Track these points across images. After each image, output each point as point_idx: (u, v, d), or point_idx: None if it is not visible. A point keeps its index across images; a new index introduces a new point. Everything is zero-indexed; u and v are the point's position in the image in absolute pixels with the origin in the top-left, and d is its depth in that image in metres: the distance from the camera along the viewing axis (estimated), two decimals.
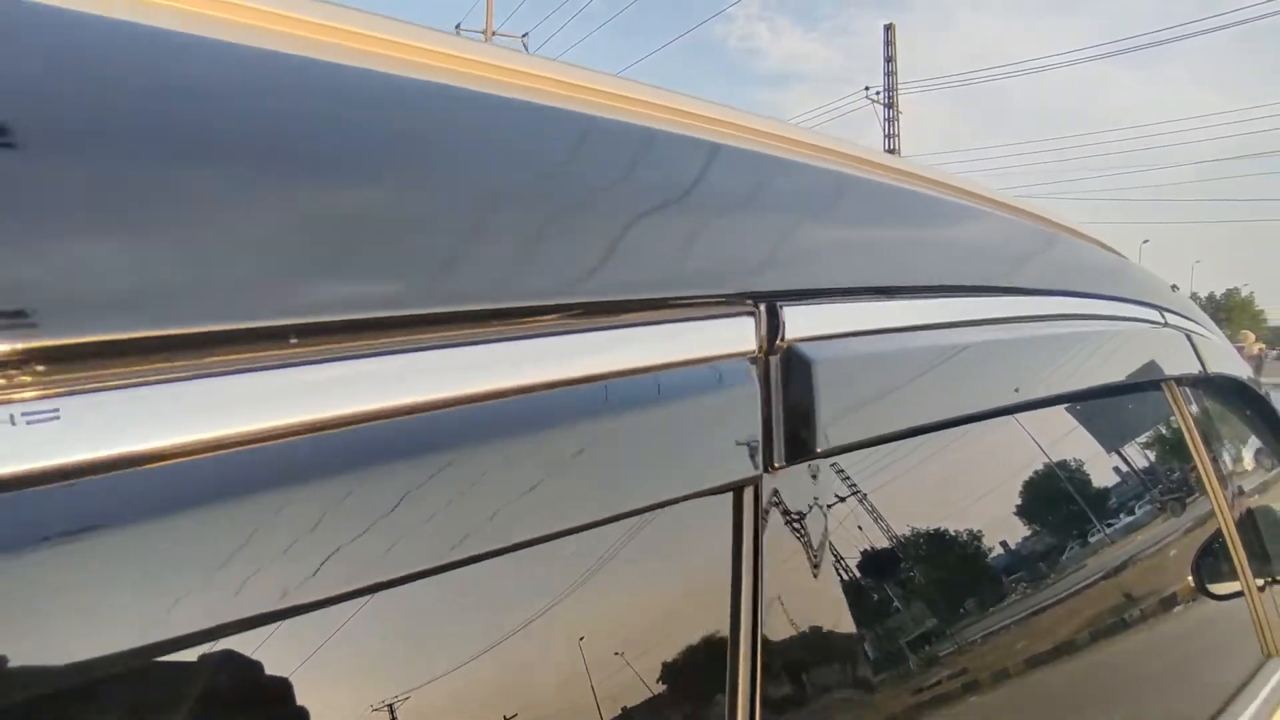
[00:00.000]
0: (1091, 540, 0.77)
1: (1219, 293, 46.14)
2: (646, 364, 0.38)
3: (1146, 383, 0.93)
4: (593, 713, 0.35)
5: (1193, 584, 0.89)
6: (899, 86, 28.03)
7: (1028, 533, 0.69)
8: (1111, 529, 0.80)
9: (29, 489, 0.22)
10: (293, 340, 0.28)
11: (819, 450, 0.45)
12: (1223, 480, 1.03)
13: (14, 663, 0.21)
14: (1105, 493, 0.83)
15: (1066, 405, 0.77)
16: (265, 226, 0.28)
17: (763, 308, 0.45)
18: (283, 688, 0.27)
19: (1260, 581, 1.02)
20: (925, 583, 0.57)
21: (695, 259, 0.43)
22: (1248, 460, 1.33)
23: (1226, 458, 1.14)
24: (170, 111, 0.27)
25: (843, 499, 0.49)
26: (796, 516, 0.45)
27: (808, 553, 0.45)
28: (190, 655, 0.25)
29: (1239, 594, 0.97)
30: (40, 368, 0.23)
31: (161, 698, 0.25)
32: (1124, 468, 0.88)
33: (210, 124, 0.28)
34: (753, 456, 0.42)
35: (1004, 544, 0.66)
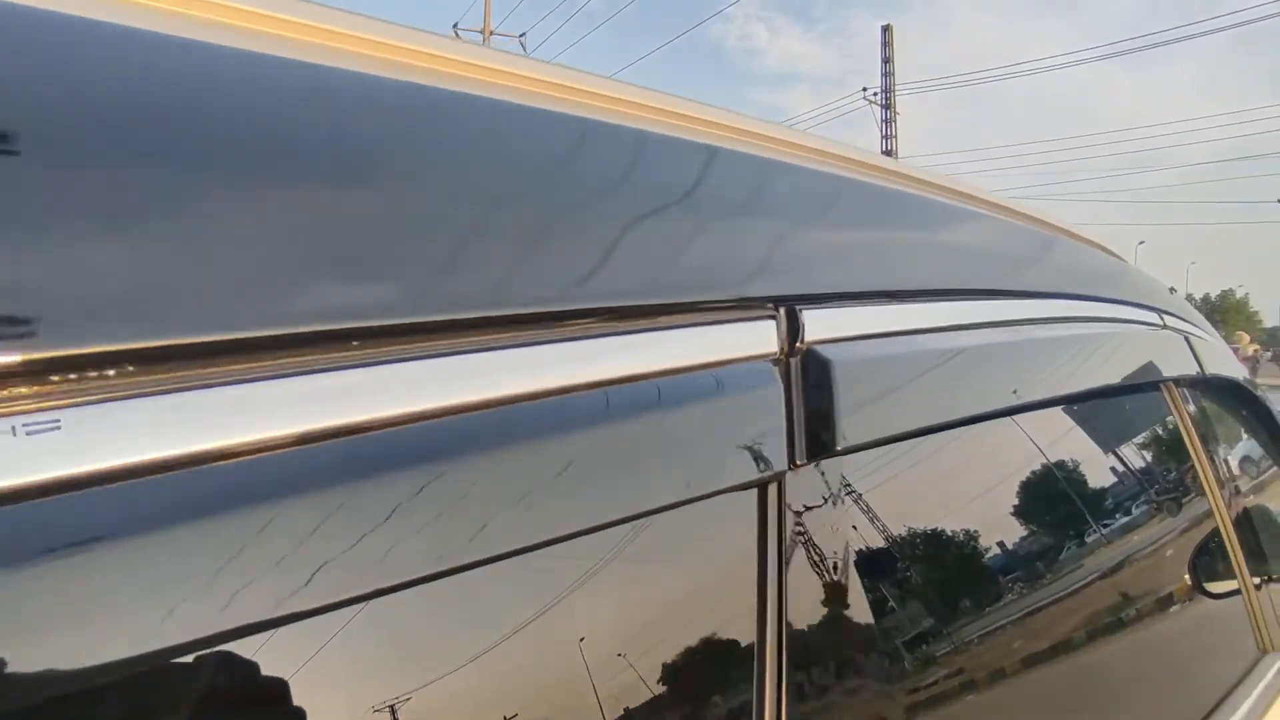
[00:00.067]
0: (1104, 535, 0.79)
1: (1214, 294, 46.30)
2: (676, 366, 0.40)
3: (1146, 384, 0.95)
4: (625, 700, 0.36)
5: (1189, 582, 0.91)
6: (896, 88, 28.07)
7: (1036, 528, 0.71)
8: (1120, 526, 0.82)
9: (30, 500, 0.22)
10: (332, 344, 0.28)
11: (839, 448, 0.46)
12: (1220, 480, 1.05)
13: (15, 673, 0.21)
14: (1113, 490, 0.85)
15: (1073, 405, 0.79)
16: (264, 235, 0.28)
17: (783, 311, 0.47)
18: (298, 698, 0.27)
19: (1256, 579, 1.03)
20: (935, 571, 0.59)
21: (719, 265, 0.44)
22: (1244, 460, 1.35)
23: (1223, 458, 1.15)
24: (168, 119, 0.27)
25: (861, 494, 0.51)
26: (818, 511, 0.47)
27: (829, 545, 0.47)
28: (192, 666, 0.25)
29: (1236, 592, 0.99)
30: (41, 379, 0.23)
31: (163, 709, 0.24)
32: (1128, 466, 0.90)
33: (210, 132, 0.28)
34: (777, 454, 0.44)
35: (1014, 540, 0.68)
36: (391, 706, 0.29)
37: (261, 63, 0.32)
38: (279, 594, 0.25)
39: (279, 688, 0.27)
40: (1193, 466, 1.01)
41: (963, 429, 0.60)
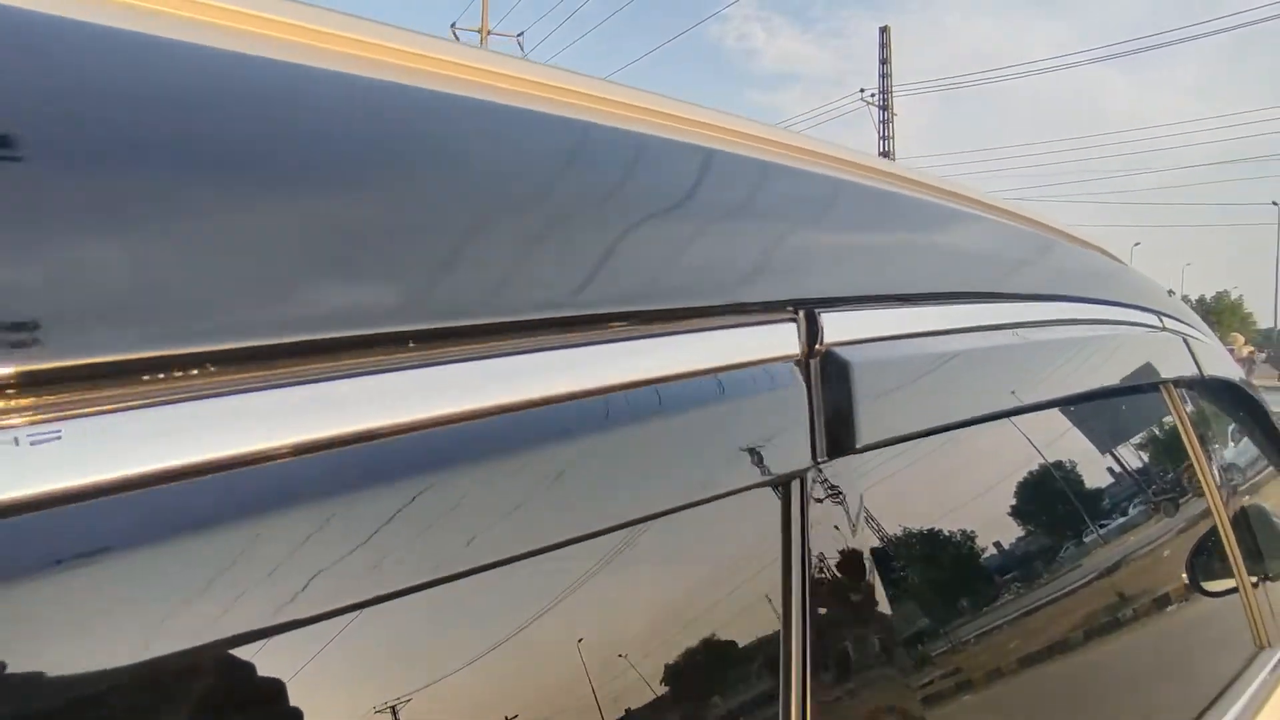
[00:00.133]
0: (1111, 531, 0.81)
1: (1209, 296, 46.40)
2: (704, 367, 0.42)
3: (1146, 385, 0.97)
4: (652, 690, 0.38)
5: (1186, 580, 0.93)
6: (894, 89, 28.11)
7: (1046, 523, 0.73)
8: (1123, 524, 0.84)
9: (32, 511, 0.22)
10: (338, 353, 0.28)
11: (858, 446, 0.48)
12: (1218, 480, 1.07)
13: (17, 683, 0.21)
14: (1115, 488, 0.87)
15: (1077, 405, 0.81)
16: (263, 244, 0.27)
17: (802, 314, 0.48)
18: (299, 705, 0.27)
19: (1253, 578, 1.05)
20: (948, 563, 0.61)
21: (742, 270, 0.46)
22: (1242, 460, 1.37)
23: (1221, 458, 1.17)
24: (166, 126, 0.27)
25: (880, 490, 0.53)
26: (839, 505, 0.49)
27: (850, 538, 0.49)
28: (193, 675, 0.25)
29: (1233, 590, 1.01)
30: (42, 389, 0.23)
31: (165, 718, 0.24)
32: (1129, 465, 0.92)
33: (209, 138, 0.28)
34: (800, 452, 0.46)
35: (1027, 536, 0.70)
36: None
37: (259, 66, 0.32)
38: (282, 602, 0.25)
39: (279, 695, 0.26)
40: (1191, 466, 1.03)
41: (974, 428, 0.62)
